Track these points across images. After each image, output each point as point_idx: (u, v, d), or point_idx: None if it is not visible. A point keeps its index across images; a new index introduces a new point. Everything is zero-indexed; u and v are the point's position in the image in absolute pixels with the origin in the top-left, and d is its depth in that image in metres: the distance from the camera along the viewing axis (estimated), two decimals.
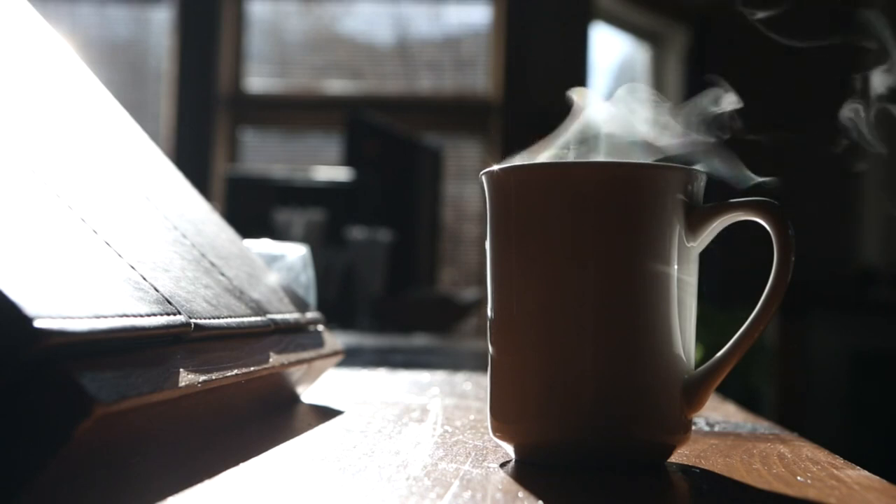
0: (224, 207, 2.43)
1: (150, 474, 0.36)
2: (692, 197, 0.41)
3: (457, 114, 3.55)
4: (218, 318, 0.45)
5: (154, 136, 0.69)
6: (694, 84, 3.55)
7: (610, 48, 3.78)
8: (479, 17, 3.59)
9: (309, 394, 0.64)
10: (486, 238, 0.44)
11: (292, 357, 0.54)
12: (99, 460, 0.34)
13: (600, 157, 0.46)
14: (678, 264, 0.41)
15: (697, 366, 0.42)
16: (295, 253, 0.70)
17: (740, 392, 2.73)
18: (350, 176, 2.38)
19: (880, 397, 2.92)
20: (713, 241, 0.42)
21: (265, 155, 3.63)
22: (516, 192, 0.42)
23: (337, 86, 3.60)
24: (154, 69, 3.60)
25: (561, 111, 0.46)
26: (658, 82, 3.72)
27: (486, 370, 0.44)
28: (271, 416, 0.54)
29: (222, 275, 0.52)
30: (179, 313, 0.40)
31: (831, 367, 3.00)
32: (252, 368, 0.46)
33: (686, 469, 0.41)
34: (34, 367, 0.30)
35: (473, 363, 1.04)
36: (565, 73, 3.43)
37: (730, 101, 0.44)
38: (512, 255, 0.42)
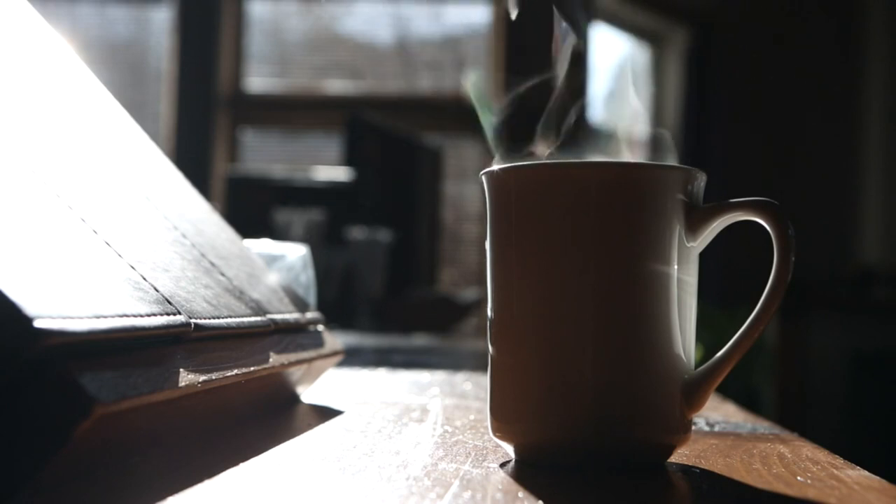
0: (224, 207, 2.43)
1: (150, 474, 0.36)
2: (692, 197, 0.41)
3: (457, 114, 3.54)
4: (218, 318, 0.45)
5: (154, 136, 0.69)
6: (694, 84, 3.55)
7: (610, 48, 3.77)
8: (479, 17, 3.59)
9: (309, 394, 0.64)
10: (486, 238, 0.44)
11: (292, 357, 0.54)
12: (99, 460, 0.34)
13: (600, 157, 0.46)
14: (678, 264, 0.41)
15: (697, 366, 0.42)
16: (295, 253, 0.70)
17: (740, 392, 2.73)
18: (350, 176, 2.38)
19: (880, 397, 2.91)
20: (713, 241, 0.42)
21: (265, 155, 3.63)
22: (516, 192, 0.42)
23: (337, 86, 3.60)
24: (154, 69, 3.60)
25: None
26: (658, 82, 3.72)
27: (486, 370, 0.44)
28: (271, 416, 0.54)
29: (222, 275, 0.52)
30: (179, 313, 0.40)
31: (831, 367, 3.00)
32: (252, 368, 0.46)
33: (686, 469, 0.41)
34: (34, 367, 0.30)
35: (473, 363, 1.04)
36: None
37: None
38: (512, 255, 0.42)
